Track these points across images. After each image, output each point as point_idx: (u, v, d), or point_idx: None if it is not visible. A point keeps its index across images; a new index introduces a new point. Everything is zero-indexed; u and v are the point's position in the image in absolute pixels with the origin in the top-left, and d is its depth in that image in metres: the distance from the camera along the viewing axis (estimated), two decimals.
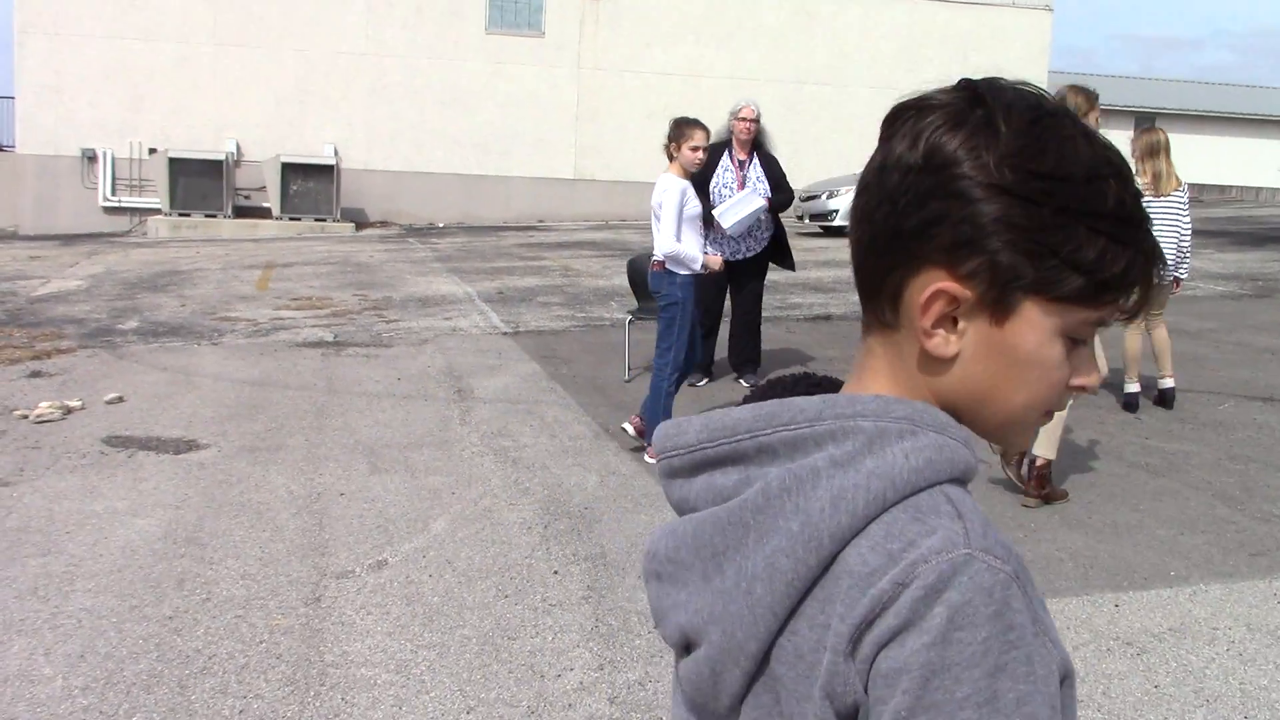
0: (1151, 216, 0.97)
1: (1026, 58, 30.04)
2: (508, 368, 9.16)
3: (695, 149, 6.50)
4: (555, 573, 4.83)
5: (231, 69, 23.96)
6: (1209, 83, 51.21)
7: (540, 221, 26.36)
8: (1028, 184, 0.90)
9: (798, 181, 24.96)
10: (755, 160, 8.41)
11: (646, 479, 6.17)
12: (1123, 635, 4.20)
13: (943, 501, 0.89)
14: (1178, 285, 7.51)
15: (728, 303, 8.72)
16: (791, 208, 24.60)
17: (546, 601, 4.53)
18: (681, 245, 6.47)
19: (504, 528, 5.40)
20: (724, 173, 8.30)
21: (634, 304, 9.12)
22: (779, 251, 8.60)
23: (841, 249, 18.06)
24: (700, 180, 8.25)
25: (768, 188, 8.40)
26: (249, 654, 4.06)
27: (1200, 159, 40.97)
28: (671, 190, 6.50)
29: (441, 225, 24.29)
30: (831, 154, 26.09)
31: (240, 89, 24.01)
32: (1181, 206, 7.37)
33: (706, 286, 8.41)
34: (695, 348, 6.86)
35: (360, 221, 23.33)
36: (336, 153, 23.46)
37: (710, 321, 8.58)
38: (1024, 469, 5.72)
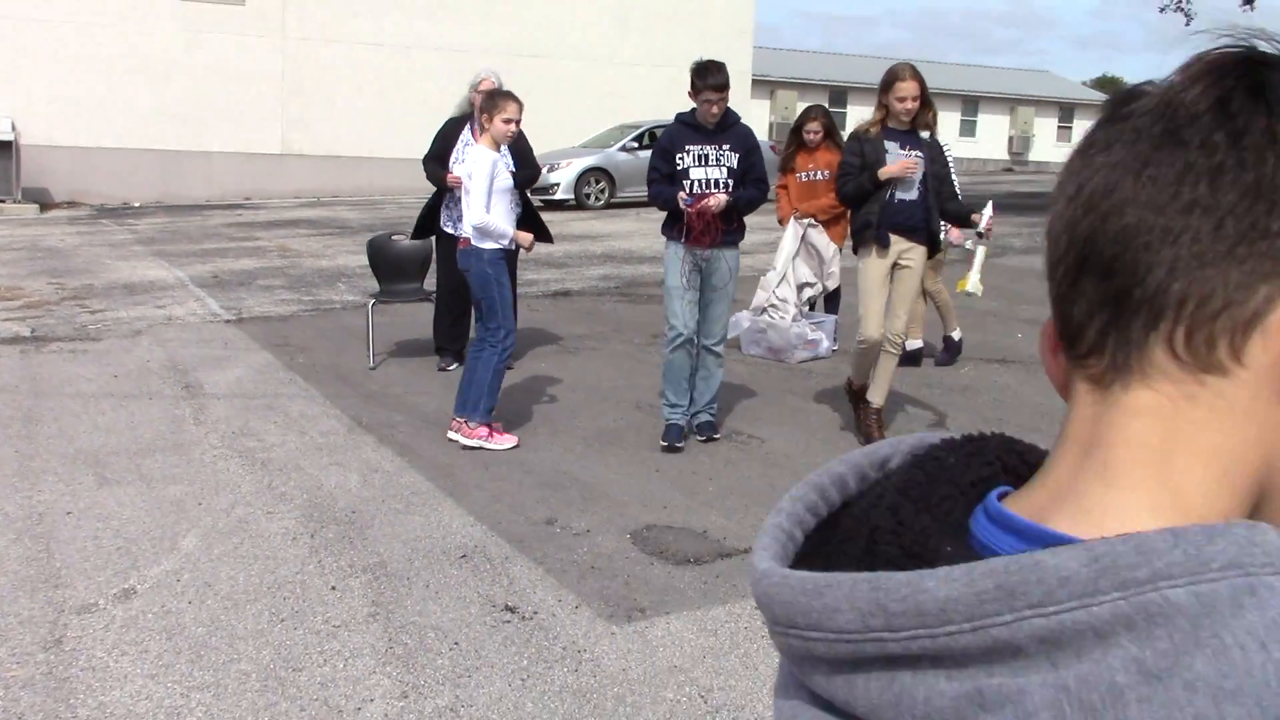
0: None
1: (731, 33, 30.76)
2: (238, 359, 8.47)
3: (508, 121, 6.15)
4: (333, 588, 4.39)
5: None
6: (896, 59, 53.97)
7: (247, 199, 24.99)
8: None
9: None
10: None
11: (413, 474, 5.77)
12: None
13: None
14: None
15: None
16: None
17: (329, 623, 4.09)
18: (491, 217, 6.12)
19: (265, 540, 4.89)
20: (465, 148, 7.90)
21: (374, 286, 8.62)
22: (531, 228, 8.27)
23: (570, 222, 17.92)
24: (439, 155, 7.88)
25: (511, 162, 8.07)
26: None
27: None
28: (483, 162, 6.16)
29: (138, 205, 22.62)
30: (546, 126, 25.80)
31: None
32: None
33: (453, 265, 8.06)
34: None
35: (45, 202, 21.40)
36: (14, 127, 21.40)
37: (460, 304, 8.20)
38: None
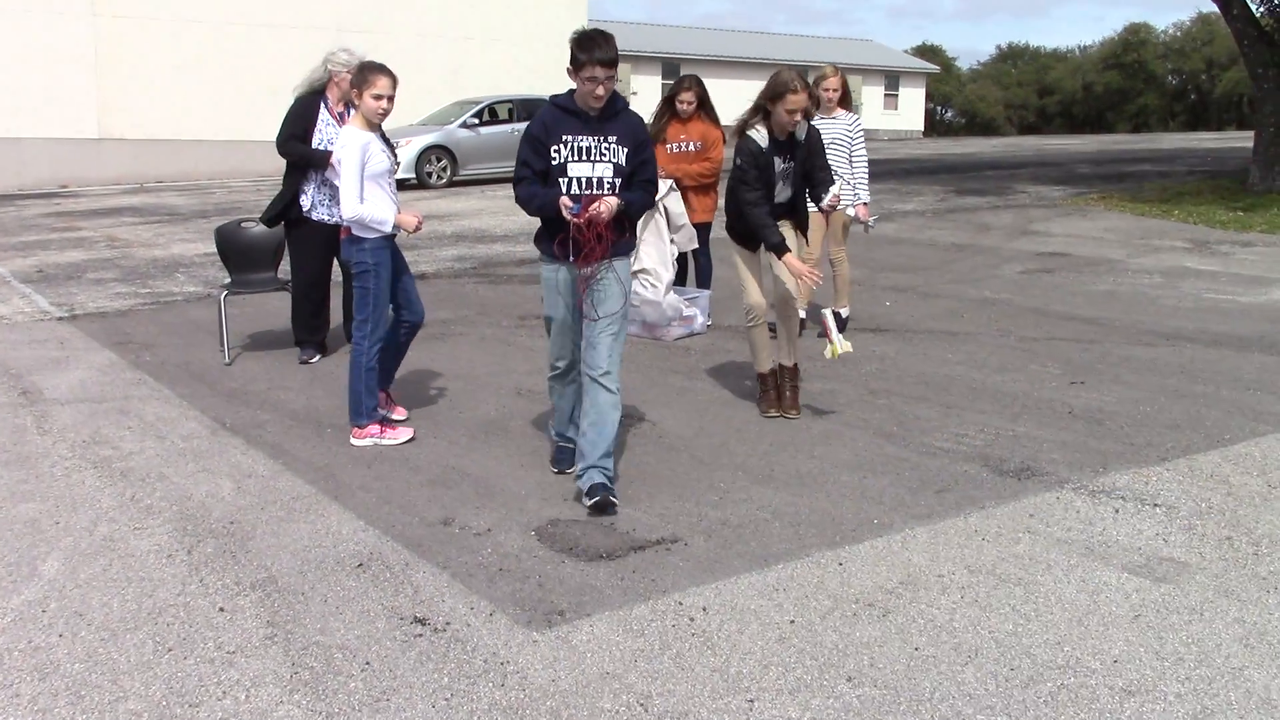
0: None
1: (566, 4, 30.42)
2: (77, 359, 7.89)
3: (379, 97, 5.73)
4: (221, 609, 4.03)
5: None
6: (730, 30, 54.41)
7: (63, 187, 23.68)
8: None
9: None
10: (352, 111, 7.68)
11: (290, 478, 5.40)
12: (862, 596, 4.04)
13: None
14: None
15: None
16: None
17: (223, 649, 3.75)
18: (366, 208, 5.70)
19: (137, 560, 4.49)
20: (326, 127, 7.49)
21: (218, 276, 8.14)
22: None
23: (413, 202, 17.38)
24: (300, 136, 7.45)
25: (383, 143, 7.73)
26: None
27: (730, 103, 43.58)
28: (351, 146, 5.71)
29: None
30: None
31: None
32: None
33: (315, 252, 7.65)
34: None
35: None
36: None
37: (320, 294, 7.79)
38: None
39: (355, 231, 5.79)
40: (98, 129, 24.60)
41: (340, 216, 5.94)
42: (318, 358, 7.73)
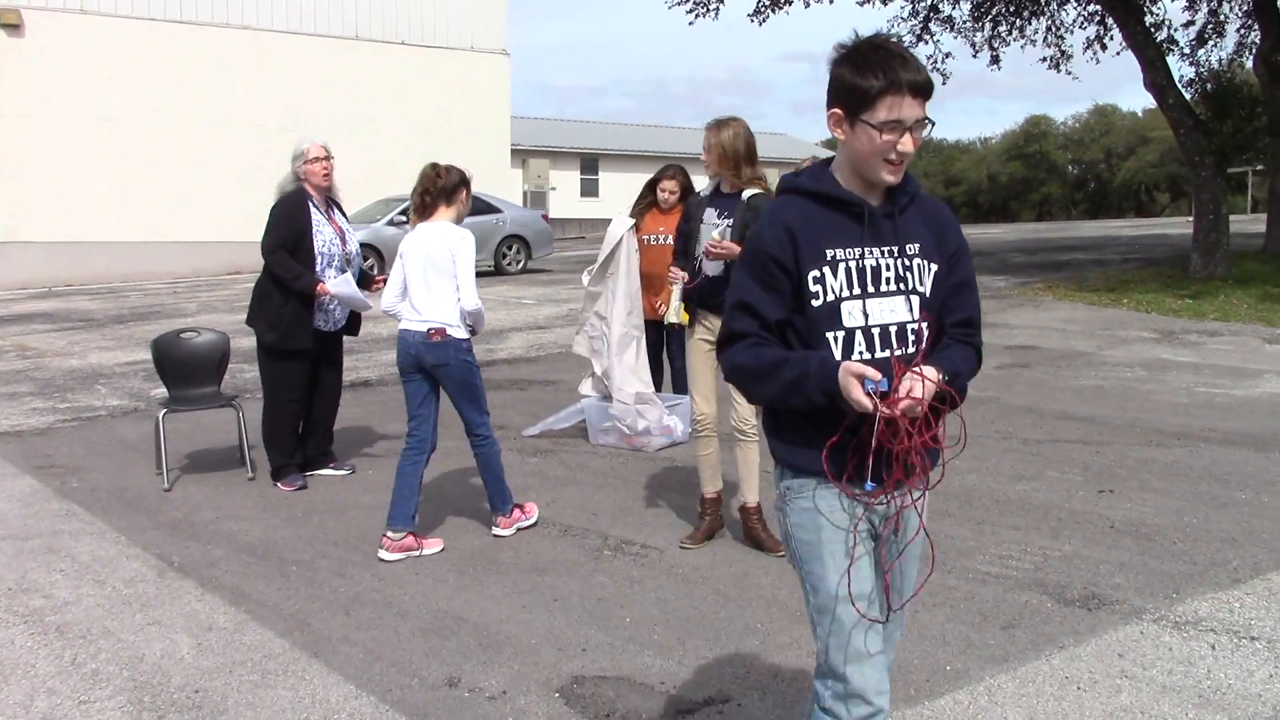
0: None
1: (490, 100, 30.20)
2: None
3: (469, 196, 5.92)
4: None
5: None
6: (644, 125, 54.74)
7: None
8: None
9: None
10: (334, 207, 7.12)
11: (258, 629, 4.68)
12: None
13: None
14: None
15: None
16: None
17: None
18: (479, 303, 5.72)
19: None
20: (323, 228, 6.87)
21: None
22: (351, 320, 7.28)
23: None
24: (289, 244, 6.82)
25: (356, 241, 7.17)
26: None
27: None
28: (467, 242, 5.66)
29: None
30: None
31: None
32: None
33: (307, 363, 6.98)
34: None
35: None
36: None
37: (305, 408, 7.10)
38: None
39: (451, 333, 5.59)
40: (2, 231, 23.56)
41: (335, 324, 6.45)
42: (302, 482, 6.97)
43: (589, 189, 46.20)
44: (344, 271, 6.95)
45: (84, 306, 18.87)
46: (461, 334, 5.62)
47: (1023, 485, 6.49)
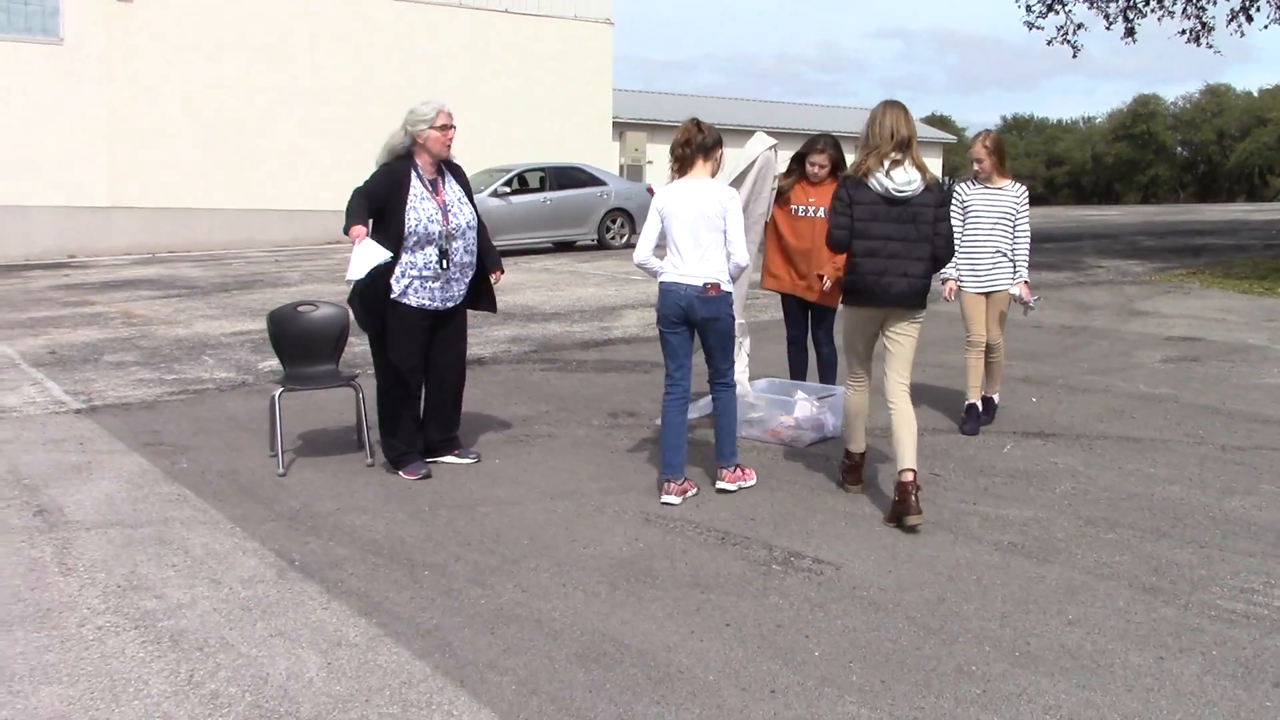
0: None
1: (592, 70, 29.64)
2: (101, 466, 6.65)
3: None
4: None
5: None
6: (736, 99, 53.73)
7: (71, 257, 22.56)
8: None
9: None
10: (448, 175, 6.47)
11: (393, 648, 4.12)
12: None
13: None
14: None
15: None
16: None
17: None
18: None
19: None
20: (421, 202, 6.23)
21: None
22: (481, 292, 6.69)
23: None
24: (384, 199, 6.23)
25: (473, 209, 6.54)
26: None
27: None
28: (738, 198, 5.93)
29: None
30: None
31: None
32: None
33: (411, 340, 6.38)
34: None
35: None
36: None
37: (444, 389, 6.58)
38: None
39: (724, 287, 5.78)
40: (108, 197, 23.52)
41: (453, 300, 6.21)
42: (426, 470, 6.42)
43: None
44: (444, 251, 6.24)
45: (188, 274, 18.66)
46: (729, 287, 5.81)
47: (1238, 500, 5.72)
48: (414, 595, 4.66)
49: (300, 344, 6.79)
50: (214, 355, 10.45)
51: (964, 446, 6.88)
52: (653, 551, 5.12)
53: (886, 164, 5.44)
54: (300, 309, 6.92)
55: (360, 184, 6.16)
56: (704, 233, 5.70)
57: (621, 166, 39.98)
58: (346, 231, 5.98)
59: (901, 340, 5.60)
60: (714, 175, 5.90)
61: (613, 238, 22.18)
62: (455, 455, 6.66)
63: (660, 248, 5.89)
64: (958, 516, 5.53)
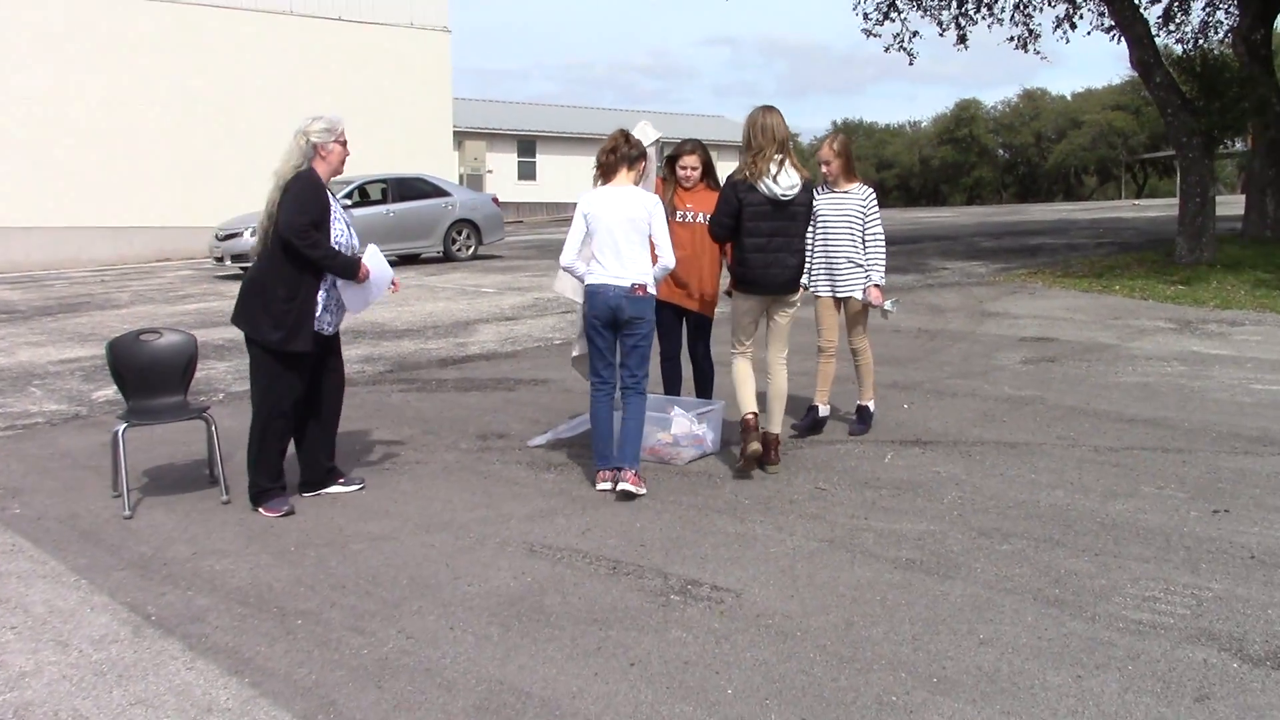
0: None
1: (429, 79, 29.10)
2: None
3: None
4: None
5: None
6: (578, 106, 53.62)
7: None
8: None
9: (211, 217, 22.05)
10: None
11: (270, 709, 3.76)
12: None
13: None
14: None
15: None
16: (209, 247, 21.38)
17: None
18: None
19: None
20: (339, 217, 5.96)
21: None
22: None
23: None
24: (318, 223, 5.86)
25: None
26: None
27: (585, 178, 42.48)
28: (661, 204, 6.26)
29: None
30: (229, 182, 23.27)
31: None
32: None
33: (307, 368, 6.04)
34: None
35: None
36: None
37: (293, 423, 6.17)
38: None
39: (649, 289, 6.09)
40: None
41: (332, 326, 5.98)
42: (289, 507, 6.01)
43: (526, 172, 45.09)
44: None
45: (5, 296, 17.55)
46: (654, 289, 6.13)
47: (1122, 504, 5.73)
48: (288, 648, 4.29)
49: (144, 375, 6.30)
50: (41, 386, 9.75)
51: (845, 458, 6.78)
52: (542, 586, 4.85)
53: (774, 167, 6.12)
54: (143, 337, 6.43)
55: (298, 218, 5.74)
56: (633, 236, 6.03)
57: (461, 175, 39.44)
58: (357, 277, 5.94)
59: (781, 322, 6.51)
60: (637, 184, 6.21)
61: (459, 249, 21.73)
62: (340, 484, 6.30)
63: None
64: (851, 534, 5.40)
